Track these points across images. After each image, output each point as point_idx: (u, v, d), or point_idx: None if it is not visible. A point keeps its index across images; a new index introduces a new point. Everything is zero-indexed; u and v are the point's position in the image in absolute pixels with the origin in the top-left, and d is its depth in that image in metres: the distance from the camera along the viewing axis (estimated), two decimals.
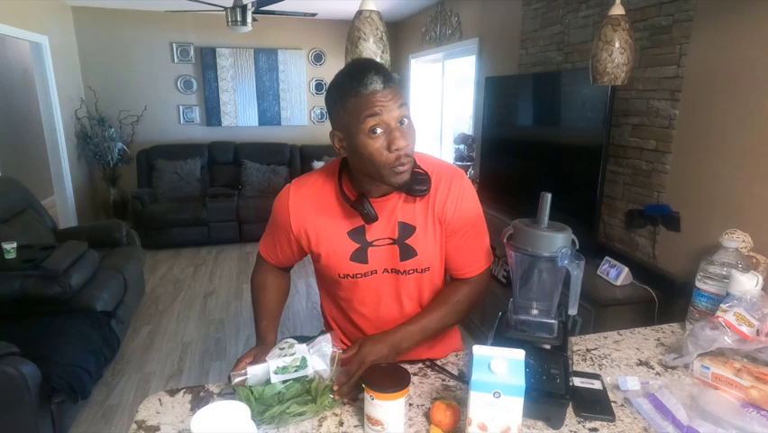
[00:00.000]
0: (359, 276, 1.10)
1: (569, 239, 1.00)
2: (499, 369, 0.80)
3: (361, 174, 1.02)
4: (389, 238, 1.08)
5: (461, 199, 1.10)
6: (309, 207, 1.08)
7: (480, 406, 0.81)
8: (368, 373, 0.92)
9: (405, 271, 1.11)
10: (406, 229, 1.08)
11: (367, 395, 0.88)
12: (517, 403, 0.79)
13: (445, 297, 1.15)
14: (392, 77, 0.97)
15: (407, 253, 1.09)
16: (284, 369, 0.95)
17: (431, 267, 1.13)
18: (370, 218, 1.03)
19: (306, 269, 4.10)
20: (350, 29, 1.34)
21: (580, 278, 0.97)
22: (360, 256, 1.08)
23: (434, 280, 1.16)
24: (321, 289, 1.26)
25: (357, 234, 1.08)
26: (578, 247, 1.00)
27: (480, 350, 0.84)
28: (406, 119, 0.96)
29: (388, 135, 0.94)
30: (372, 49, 1.31)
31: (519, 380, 0.79)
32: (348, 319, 1.20)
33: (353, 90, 0.93)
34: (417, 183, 1.03)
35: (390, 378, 0.89)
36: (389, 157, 0.95)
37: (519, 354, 0.83)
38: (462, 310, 1.16)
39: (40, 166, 5.42)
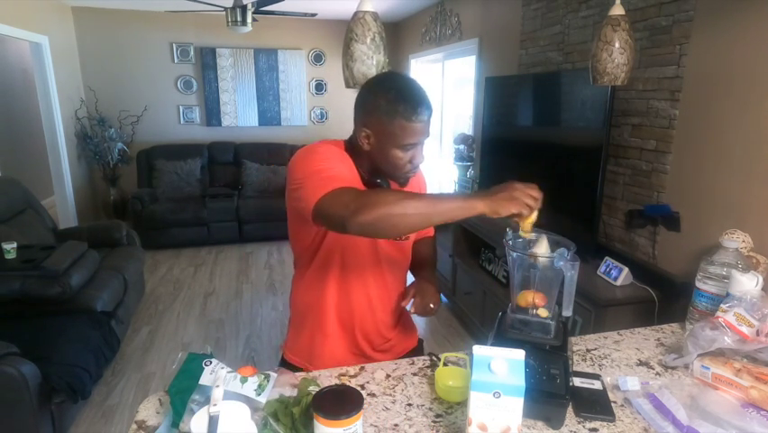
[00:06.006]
0: None
1: (567, 243, 1.01)
2: (499, 369, 0.80)
3: (373, 165, 1.15)
4: None
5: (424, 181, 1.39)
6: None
7: (479, 406, 0.81)
8: (318, 401, 0.83)
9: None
10: None
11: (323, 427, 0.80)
12: (517, 403, 0.79)
13: (428, 244, 1.46)
14: (431, 104, 1.11)
15: None
16: (260, 386, 0.95)
17: (410, 236, 1.30)
18: None
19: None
20: (346, 30, 1.35)
21: (574, 279, 0.99)
22: None
23: (407, 250, 1.33)
24: (299, 260, 1.28)
25: None
26: (575, 250, 1.01)
27: (480, 350, 0.84)
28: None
29: (413, 152, 1.11)
30: (366, 50, 1.31)
31: (519, 380, 0.79)
32: (322, 285, 1.23)
33: (406, 116, 1.06)
34: None
35: (341, 403, 0.82)
36: (408, 167, 1.13)
37: (519, 355, 0.83)
38: (434, 249, 1.48)
39: (40, 166, 5.42)
